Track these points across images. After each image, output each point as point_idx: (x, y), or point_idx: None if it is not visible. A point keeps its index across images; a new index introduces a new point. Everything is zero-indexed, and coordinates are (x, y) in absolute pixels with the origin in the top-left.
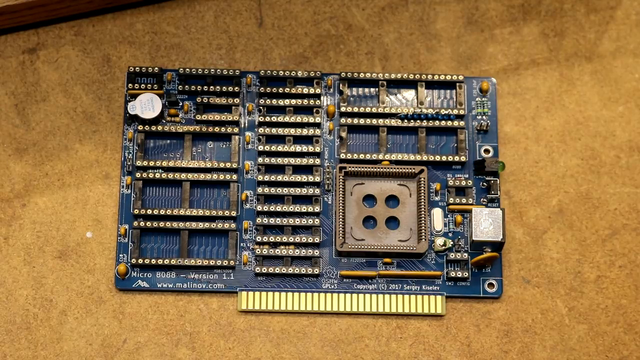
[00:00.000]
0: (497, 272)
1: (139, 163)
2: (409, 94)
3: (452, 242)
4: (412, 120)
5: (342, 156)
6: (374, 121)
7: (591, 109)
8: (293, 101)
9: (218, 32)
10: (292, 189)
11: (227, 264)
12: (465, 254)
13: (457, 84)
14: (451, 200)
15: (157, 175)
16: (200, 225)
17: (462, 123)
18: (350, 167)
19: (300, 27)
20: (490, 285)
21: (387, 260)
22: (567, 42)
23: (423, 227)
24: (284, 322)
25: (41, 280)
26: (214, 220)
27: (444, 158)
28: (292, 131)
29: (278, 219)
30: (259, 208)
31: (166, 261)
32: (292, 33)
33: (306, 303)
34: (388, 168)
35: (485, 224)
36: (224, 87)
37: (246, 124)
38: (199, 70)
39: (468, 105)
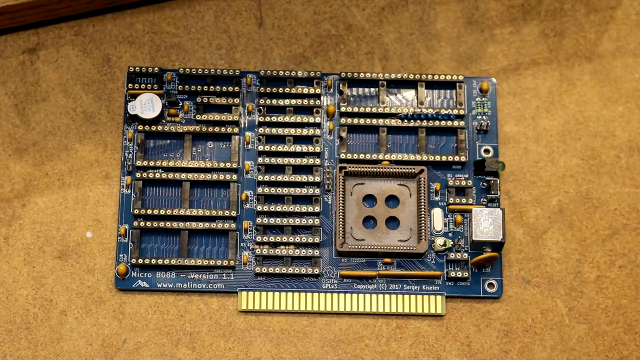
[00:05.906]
0: (497, 272)
1: (139, 163)
2: (409, 94)
3: (452, 242)
4: (412, 120)
5: (342, 156)
6: (374, 121)
7: (591, 109)
8: (293, 101)
9: (218, 32)
10: (292, 189)
11: (227, 264)
12: (465, 254)
13: (457, 84)
14: (451, 200)
15: (157, 175)
16: (200, 225)
17: (462, 123)
18: (350, 167)
19: (300, 27)
20: (490, 285)
21: (387, 260)
22: (567, 42)
23: (423, 227)
24: (284, 322)
25: (41, 280)
26: (214, 220)
27: (444, 158)
28: (292, 131)
29: (278, 219)
30: (259, 208)
31: (166, 261)
32: (292, 33)
33: (306, 303)
34: (388, 168)
35: (485, 224)
36: (224, 87)
37: (246, 124)
38: (199, 70)
39: (468, 105)
